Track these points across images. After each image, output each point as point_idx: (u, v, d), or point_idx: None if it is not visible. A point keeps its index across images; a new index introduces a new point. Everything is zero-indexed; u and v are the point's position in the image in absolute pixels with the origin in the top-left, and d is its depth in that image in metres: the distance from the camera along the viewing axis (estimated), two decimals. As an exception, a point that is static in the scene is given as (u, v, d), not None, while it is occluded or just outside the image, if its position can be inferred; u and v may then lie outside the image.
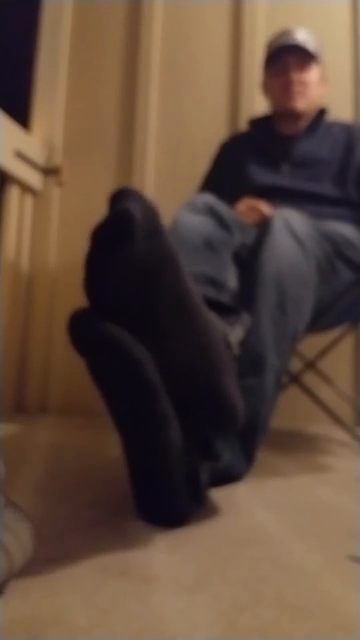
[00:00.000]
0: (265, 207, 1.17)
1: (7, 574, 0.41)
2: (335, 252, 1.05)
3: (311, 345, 1.40)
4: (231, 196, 1.22)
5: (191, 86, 1.87)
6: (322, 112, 1.36)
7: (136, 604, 0.40)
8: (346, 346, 1.64)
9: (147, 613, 0.39)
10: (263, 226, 0.95)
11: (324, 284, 0.99)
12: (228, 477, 0.74)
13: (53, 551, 0.51)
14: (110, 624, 0.37)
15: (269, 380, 0.79)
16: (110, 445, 1.17)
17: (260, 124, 1.43)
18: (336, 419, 1.28)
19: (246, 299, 0.84)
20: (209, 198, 0.99)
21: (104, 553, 0.51)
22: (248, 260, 0.91)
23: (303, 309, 0.89)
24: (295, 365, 1.35)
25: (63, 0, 1.94)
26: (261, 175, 1.31)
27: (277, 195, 1.24)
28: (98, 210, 2.01)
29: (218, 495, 0.73)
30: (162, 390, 0.55)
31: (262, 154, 1.35)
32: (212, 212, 0.95)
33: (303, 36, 1.31)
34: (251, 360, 0.77)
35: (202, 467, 0.63)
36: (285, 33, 1.33)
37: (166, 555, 0.51)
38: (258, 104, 1.71)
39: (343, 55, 1.81)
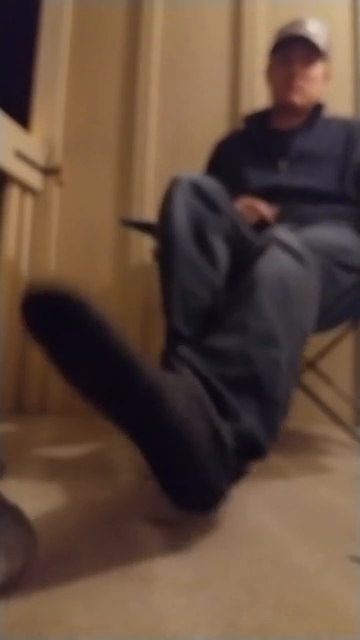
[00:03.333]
0: (262, 207, 1.16)
1: (8, 574, 0.41)
2: (332, 262, 1.03)
3: (311, 345, 1.40)
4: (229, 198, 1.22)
5: (191, 86, 1.87)
6: (319, 107, 1.34)
7: (136, 604, 0.40)
8: (346, 346, 1.64)
9: (147, 613, 0.39)
10: (254, 249, 0.92)
11: (325, 292, 0.98)
12: (253, 443, 0.68)
13: (53, 551, 0.51)
14: (110, 624, 0.37)
15: (281, 355, 0.75)
16: (110, 445, 1.17)
17: (255, 120, 1.42)
18: (336, 419, 1.28)
19: (240, 300, 0.82)
20: (195, 177, 0.98)
21: (104, 553, 0.51)
22: (239, 277, 0.89)
23: (308, 309, 0.86)
24: (295, 365, 1.34)
25: (63, 0, 1.94)
26: (258, 176, 1.30)
27: (275, 195, 1.23)
28: (98, 210, 2.03)
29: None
30: (140, 356, 0.49)
31: (258, 152, 1.34)
32: (199, 193, 0.96)
33: (314, 29, 1.28)
34: (258, 337, 0.74)
35: (222, 426, 0.59)
36: (297, 23, 1.31)
37: (166, 555, 0.51)
38: (258, 104, 1.70)
39: (343, 55, 1.81)
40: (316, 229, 1.11)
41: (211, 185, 1.00)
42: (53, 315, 0.47)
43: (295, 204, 1.20)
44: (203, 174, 1.46)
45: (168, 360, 0.69)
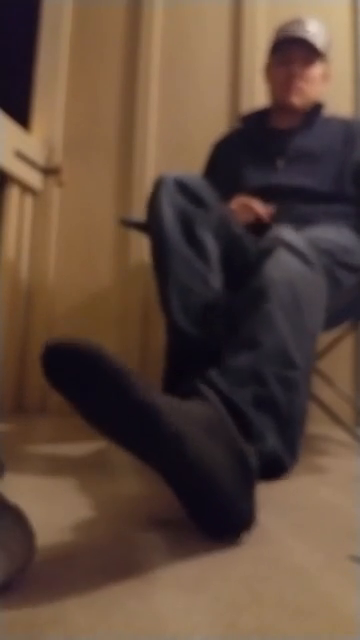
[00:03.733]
0: (258, 205, 1.16)
1: (7, 574, 0.41)
2: (334, 263, 1.03)
3: (311, 345, 1.40)
4: (227, 197, 1.21)
5: (191, 85, 1.87)
6: (318, 106, 1.34)
7: (136, 604, 0.40)
8: (346, 346, 1.64)
9: (147, 613, 0.39)
10: (259, 250, 0.92)
11: (327, 293, 0.98)
12: (276, 462, 0.69)
13: (53, 551, 0.51)
14: (110, 624, 0.37)
15: (296, 374, 0.75)
16: (110, 445, 1.17)
17: (253, 119, 1.41)
18: (336, 419, 1.28)
19: (246, 305, 0.81)
20: (179, 175, 1.00)
21: (104, 553, 0.51)
22: (245, 277, 0.89)
23: (318, 313, 0.86)
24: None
25: (63, 0, 1.94)
26: (256, 175, 1.29)
27: (273, 194, 1.23)
28: (98, 210, 2.03)
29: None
30: (160, 403, 0.50)
31: (257, 151, 1.34)
32: (184, 190, 0.98)
33: (314, 29, 1.28)
34: (272, 356, 0.74)
35: (247, 450, 0.59)
36: (296, 23, 1.30)
37: (166, 555, 0.51)
38: (258, 103, 1.70)
39: (343, 55, 1.81)
40: (316, 229, 1.10)
41: (195, 181, 1.01)
42: (74, 369, 0.49)
43: (293, 204, 1.20)
44: (203, 174, 1.47)
45: (191, 383, 0.68)
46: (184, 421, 0.52)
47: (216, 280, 0.96)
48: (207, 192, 1.02)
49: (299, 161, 1.27)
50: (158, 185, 0.99)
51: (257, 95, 1.76)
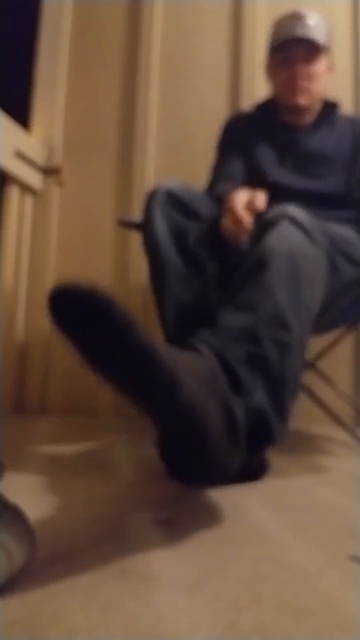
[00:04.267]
0: (249, 223, 0.97)
1: (7, 574, 0.41)
2: (335, 249, 1.02)
3: (311, 345, 1.40)
4: (244, 181, 1.17)
5: (191, 86, 1.87)
6: (332, 106, 1.30)
7: (136, 604, 0.40)
8: (346, 346, 1.64)
9: (147, 613, 0.39)
10: (263, 222, 0.91)
11: (326, 278, 0.98)
12: (263, 421, 0.70)
13: (53, 551, 0.51)
14: (110, 624, 0.37)
15: (290, 338, 0.76)
16: (110, 445, 1.17)
17: (264, 110, 1.35)
18: (336, 419, 1.28)
19: (246, 276, 0.82)
20: (171, 187, 0.99)
21: (104, 553, 0.51)
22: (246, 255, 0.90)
23: (316, 290, 0.86)
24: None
25: (63, 0, 1.94)
26: (268, 166, 1.25)
27: (279, 194, 1.21)
28: (98, 210, 2.02)
29: (218, 495, 0.73)
30: (159, 348, 0.52)
31: (269, 144, 1.28)
32: (176, 203, 0.97)
33: (313, 22, 1.22)
34: (267, 317, 0.76)
35: (234, 401, 0.61)
36: (296, 17, 1.24)
37: (166, 555, 0.51)
38: (258, 104, 1.71)
39: (343, 54, 1.81)
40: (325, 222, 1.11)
41: (188, 193, 1.00)
42: (82, 311, 0.50)
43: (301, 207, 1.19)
44: (219, 155, 1.38)
45: (187, 340, 0.71)
46: (180, 367, 0.55)
47: (212, 293, 0.96)
48: (200, 203, 1.01)
49: (309, 162, 1.24)
50: (151, 198, 0.99)
51: (257, 95, 1.75)
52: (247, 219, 0.94)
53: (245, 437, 0.63)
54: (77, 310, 0.51)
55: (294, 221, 0.86)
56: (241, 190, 1.01)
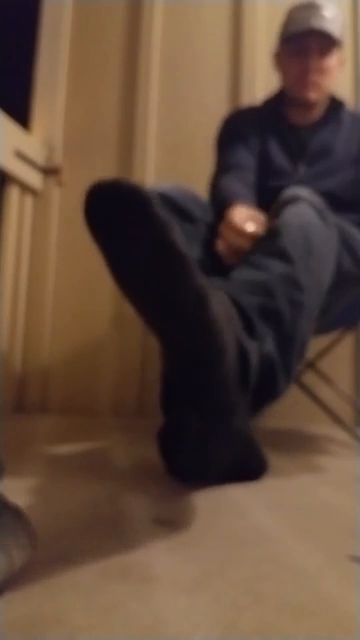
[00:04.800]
0: (247, 244, 0.93)
1: (7, 574, 0.41)
2: (342, 242, 1.01)
3: (311, 345, 1.40)
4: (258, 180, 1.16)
5: (191, 86, 1.87)
6: (339, 103, 1.27)
7: (136, 604, 0.40)
8: (346, 346, 1.64)
9: (147, 613, 0.39)
10: (279, 202, 0.92)
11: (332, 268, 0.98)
12: (271, 371, 0.69)
13: (53, 551, 0.51)
14: (110, 624, 0.37)
15: (302, 298, 0.77)
16: (111, 444, 1.17)
17: (272, 105, 1.31)
18: (336, 419, 1.28)
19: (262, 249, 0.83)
20: (164, 190, 0.98)
21: (104, 553, 0.51)
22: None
23: (326, 267, 0.87)
24: (295, 365, 1.35)
25: (63, 0, 1.94)
26: (279, 162, 1.22)
27: None
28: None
29: (218, 495, 0.73)
30: (194, 262, 0.51)
31: (279, 140, 1.25)
32: (170, 205, 0.97)
33: (329, 13, 1.17)
34: (281, 276, 0.76)
35: (249, 344, 0.60)
36: (311, 7, 1.18)
37: (166, 555, 0.51)
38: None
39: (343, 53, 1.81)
40: None
41: (182, 195, 0.99)
42: (122, 209, 0.49)
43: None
44: (223, 159, 1.33)
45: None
46: (210, 286, 0.54)
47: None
48: (194, 205, 1.01)
49: (318, 163, 1.21)
50: None
51: (257, 95, 1.75)
52: (244, 243, 0.92)
53: (253, 388, 0.63)
54: (116, 208, 0.49)
55: (309, 202, 0.89)
56: (241, 208, 1.00)
